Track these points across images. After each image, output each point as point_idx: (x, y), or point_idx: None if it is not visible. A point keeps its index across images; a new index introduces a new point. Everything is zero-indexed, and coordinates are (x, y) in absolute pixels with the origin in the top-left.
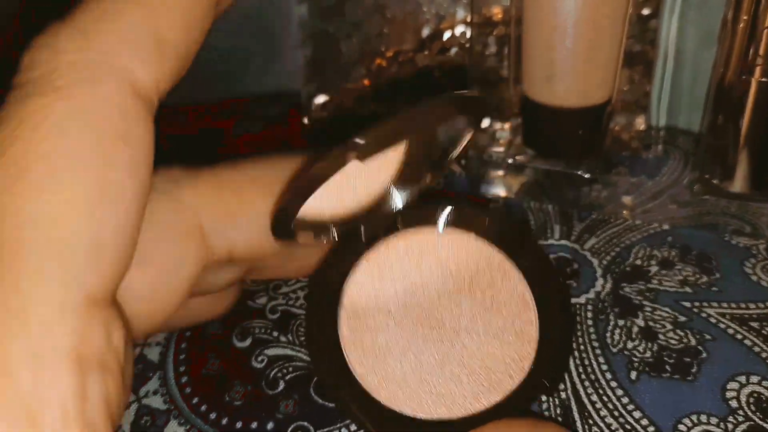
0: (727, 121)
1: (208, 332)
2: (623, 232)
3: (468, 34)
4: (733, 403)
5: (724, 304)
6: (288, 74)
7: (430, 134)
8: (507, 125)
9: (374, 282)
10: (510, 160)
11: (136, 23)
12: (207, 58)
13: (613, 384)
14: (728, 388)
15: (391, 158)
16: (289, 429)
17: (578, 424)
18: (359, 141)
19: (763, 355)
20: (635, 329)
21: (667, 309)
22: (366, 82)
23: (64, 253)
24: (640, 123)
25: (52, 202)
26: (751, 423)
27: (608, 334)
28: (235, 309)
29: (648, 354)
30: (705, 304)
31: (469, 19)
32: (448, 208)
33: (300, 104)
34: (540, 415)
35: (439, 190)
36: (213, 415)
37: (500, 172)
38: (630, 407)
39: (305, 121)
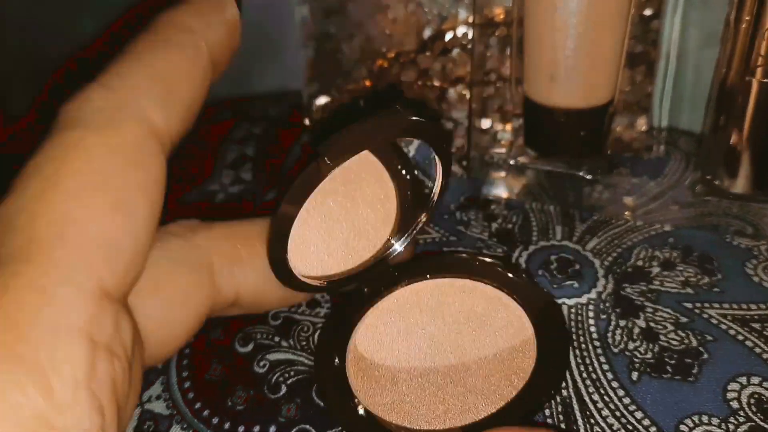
0: (729, 121)
1: (211, 338)
2: (625, 233)
3: (470, 35)
4: (734, 404)
5: (726, 305)
6: (289, 75)
7: (411, 177)
8: (509, 126)
9: (379, 328)
10: (512, 161)
11: (151, 81)
12: None
13: (615, 384)
14: (729, 389)
15: (388, 214)
16: None
17: (580, 422)
18: (322, 149)
19: (764, 356)
20: (636, 330)
21: (668, 310)
22: (367, 83)
23: (84, 248)
24: (642, 124)
25: (77, 207)
26: (752, 424)
27: (609, 335)
28: (237, 316)
29: (649, 355)
30: (706, 305)
31: (471, 20)
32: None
33: (301, 105)
34: (536, 422)
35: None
36: (215, 420)
37: (502, 173)
38: (632, 407)
39: (306, 122)
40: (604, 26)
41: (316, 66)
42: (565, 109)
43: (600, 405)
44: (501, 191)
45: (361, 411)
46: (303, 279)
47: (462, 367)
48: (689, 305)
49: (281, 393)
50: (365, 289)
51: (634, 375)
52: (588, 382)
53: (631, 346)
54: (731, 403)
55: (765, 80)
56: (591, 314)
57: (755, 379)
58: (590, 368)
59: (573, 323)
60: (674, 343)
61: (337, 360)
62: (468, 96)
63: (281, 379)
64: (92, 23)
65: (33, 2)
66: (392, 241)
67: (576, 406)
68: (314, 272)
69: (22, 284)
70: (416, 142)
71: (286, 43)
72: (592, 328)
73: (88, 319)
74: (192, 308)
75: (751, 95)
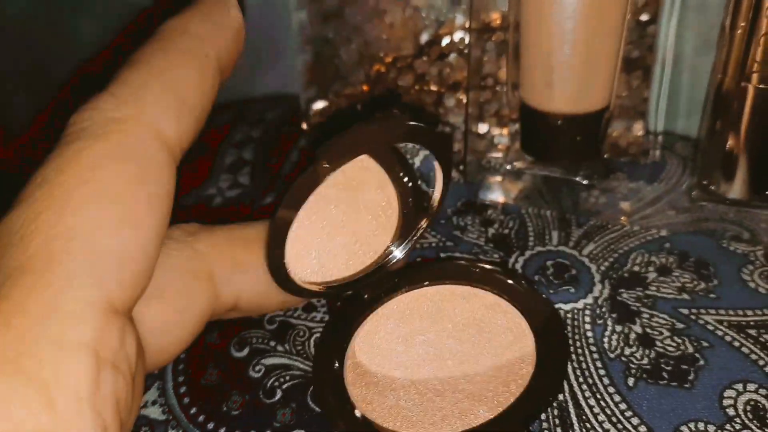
0: (725, 127)
1: (207, 342)
2: (621, 238)
3: (467, 40)
4: (731, 411)
5: (722, 311)
6: (287, 79)
7: (413, 183)
8: (505, 131)
9: (378, 334)
10: (508, 166)
11: (161, 90)
12: None
13: (611, 390)
14: (725, 395)
15: (389, 220)
16: None
17: (576, 427)
18: (320, 153)
19: (761, 362)
20: (633, 336)
21: (664, 316)
22: (365, 87)
23: (91, 260)
24: (639, 129)
25: (85, 220)
26: (749, 431)
27: (606, 340)
28: (233, 320)
29: (645, 361)
30: (702, 311)
31: (467, 25)
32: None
33: (299, 109)
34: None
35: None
36: (211, 425)
37: (498, 178)
38: (628, 413)
39: (304, 126)
40: (600, 31)
41: (314, 70)
42: (561, 114)
43: (596, 410)
44: (497, 196)
45: (358, 417)
46: (302, 284)
47: (460, 374)
48: (685, 311)
49: (276, 398)
50: (365, 295)
51: (631, 381)
52: (584, 386)
53: (627, 351)
54: (727, 410)
55: (761, 86)
56: (587, 319)
57: (751, 386)
58: (586, 373)
59: (569, 328)
60: (670, 349)
61: (335, 366)
62: (465, 101)
63: (276, 384)
64: (91, 26)
65: (33, 3)
66: (392, 248)
67: (572, 411)
68: (314, 278)
69: (27, 297)
70: (422, 151)
71: (284, 47)
72: (589, 333)
73: (94, 334)
74: (193, 314)
75: (747, 101)
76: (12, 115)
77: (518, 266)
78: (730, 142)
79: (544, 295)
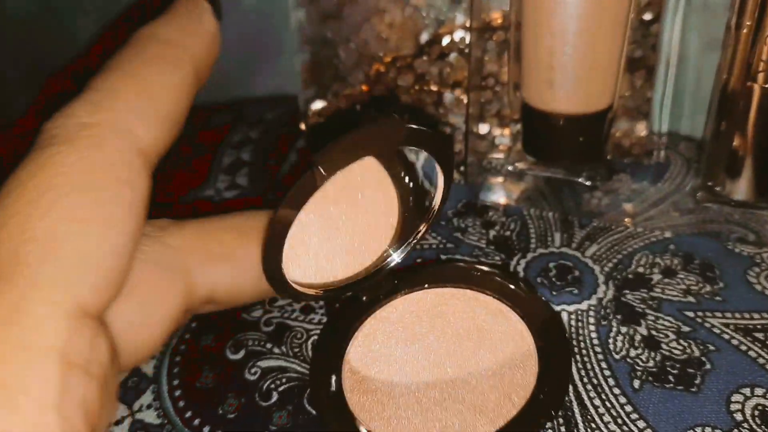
0: (730, 127)
1: (202, 345)
2: (625, 239)
3: (467, 40)
4: (738, 416)
5: (728, 314)
6: (286, 79)
7: (414, 185)
8: (507, 131)
9: (377, 338)
10: (510, 167)
11: (134, 95)
12: None
13: (617, 391)
14: (733, 400)
15: (388, 222)
16: None
17: (581, 426)
18: (317, 158)
19: None
20: (638, 337)
21: (670, 318)
22: (364, 87)
23: (61, 264)
24: (642, 129)
25: (56, 223)
26: None
27: (611, 341)
28: (229, 322)
29: (651, 363)
30: (708, 314)
31: (468, 25)
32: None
33: (297, 109)
34: None
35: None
36: (206, 429)
37: (500, 179)
38: (634, 416)
39: (302, 126)
40: (603, 31)
41: (313, 70)
42: (563, 115)
43: (601, 410)
44: (499, 197)
45: (357, 427)
46: (299, 287)
47: (461, 382)
48: (691, 314)
49: (273, 400)
50: (363, 298)
51: (636, 383)
52: (589, 387)
53: (632, 353)
54: (735, 414)
55: (766, 85)
56: (591, 320)
57: (759, 391)
58: (591, 373)
59: (573, 329)
60: (676, 352)
61: (333, 372)
62: (465, 101)
63: (273, 386)
64: (91, 26)
65: (33, 3)
66: (391, 251)
67: (577, 411)
68: (311, 280)
69: None
70: (423, 151)
71: (283, 48)
72: (593, 334)
73: (62, 338)
74: (166, 309)
75: (753, 100)
76: (12, 115)
77: (520, 268)
78: (735, 143)
79: (545, 299)
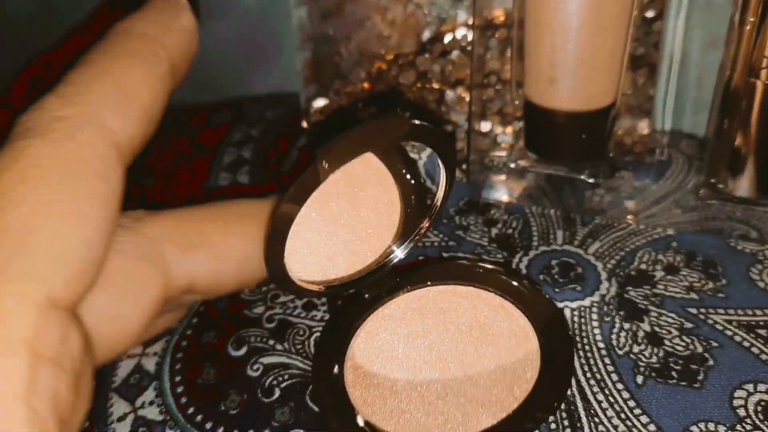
0: (733, 124)
1: (203, 342)
2: (627, 236)
3: (470, 37)
4: (741, 412)
5: (731, 311)
6: (287, 77)
7: (416, 182)
8: (509, 129)
9: (379, 334)
10: (512, 165)
11: (110, 89)
12: (206, 60)
13: (620, 386)
14: (736, 396)
15: (391, 219)
16: None
17: (584, 421)
18: (320, 152)
19: None
20: (641, 333)
21: (673, 315)
22: (366, 85)
23: (31, 256)
24: (644, 127)
25: (27, 215)
26: None
27: (614, 337)
28: (231, 319)
29: (654, 359)
30: (711, 310)
31: (470, 22)
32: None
33: (299, 107)
34: None
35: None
36: (209, 425)
37: (502, 177)
38: (637, 411)
39: (304, 124)
40: (605, 28)
41: (314, 68)
42: (566, 112)
43: (605, 405)
44: (501, 195)
45: (359, 421)
46: (301, 283)
47: (463, 377)
48: (694, 311)
49: (275, 397)
50: (366, 295)
51: (639, 379)
52: (592, 382)
53: (636, 349)
54: (738, 410)
55: None
56: (594, 317)
57: (762, 387)
58: (594, 369)
59: (576, 326)
60: (679, 348)
61: (335, 368)
62: (467, 98)
63: (275, 382)
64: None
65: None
66: (394, 248)
67: (580, 405)
68: (313, 276)
69: None
70: (426, 148)
71: (284, 45)
72: (596, 330)
73: (31, 330)
74: (144, 300)
75: (756, 98)
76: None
77: (523, 266)
78: (738, 140)
79: (548, 296)
